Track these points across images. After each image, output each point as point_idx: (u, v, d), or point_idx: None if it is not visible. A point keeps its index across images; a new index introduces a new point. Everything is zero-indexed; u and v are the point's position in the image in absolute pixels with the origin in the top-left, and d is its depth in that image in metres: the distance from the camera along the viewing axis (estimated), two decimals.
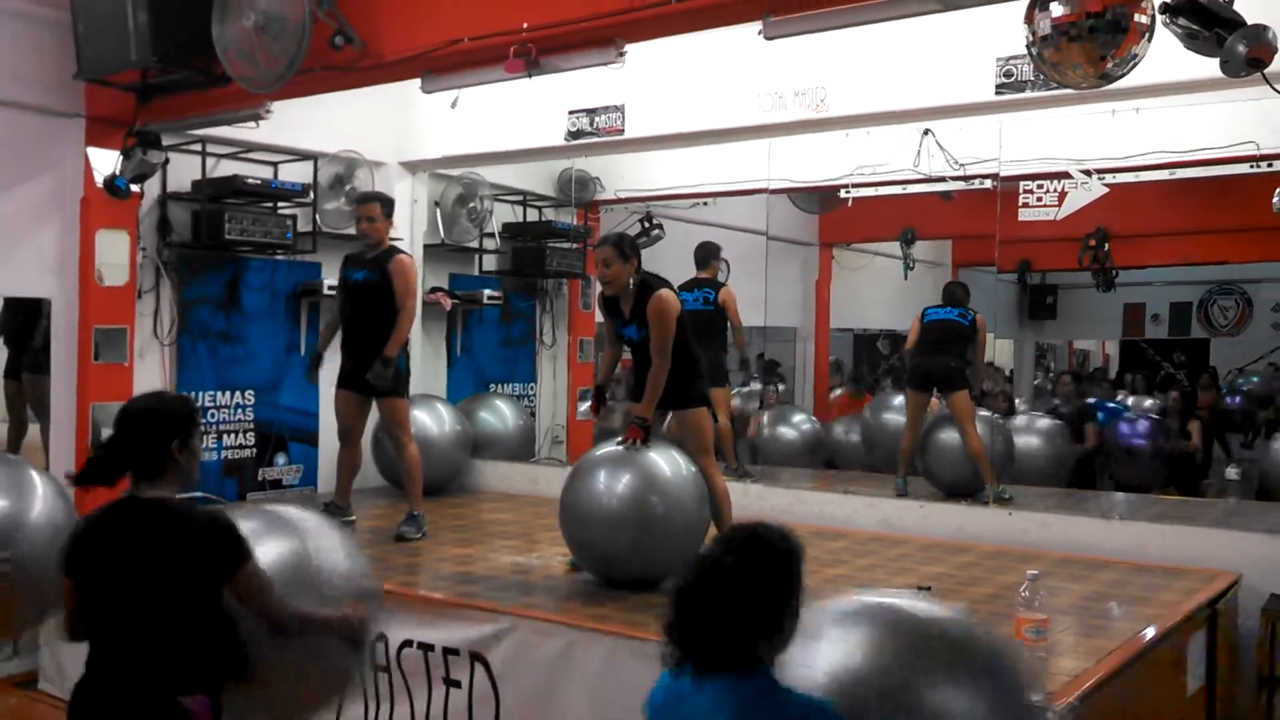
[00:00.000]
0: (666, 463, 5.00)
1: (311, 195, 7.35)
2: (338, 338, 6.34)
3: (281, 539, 3.38)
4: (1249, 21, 3.37)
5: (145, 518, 3.02)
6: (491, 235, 8.83)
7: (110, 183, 6.07)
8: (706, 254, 8.19)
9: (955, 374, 7.37)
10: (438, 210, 8.41)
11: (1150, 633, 4.28)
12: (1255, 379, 12.03)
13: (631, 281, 5.20)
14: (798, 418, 9.64)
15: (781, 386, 11.21)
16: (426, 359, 8.40)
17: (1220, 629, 4.84)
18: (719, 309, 7.92)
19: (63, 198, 6.41)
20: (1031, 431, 8.58)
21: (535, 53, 4.71)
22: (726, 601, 2.38)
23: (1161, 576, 5.22)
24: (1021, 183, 7.72)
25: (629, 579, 4.99)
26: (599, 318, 9.76)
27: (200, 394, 7.03)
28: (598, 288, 5.88)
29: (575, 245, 9.13)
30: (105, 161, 6.21)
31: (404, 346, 6.16)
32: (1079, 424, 9.28)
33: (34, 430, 7.39)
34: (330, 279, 7.51)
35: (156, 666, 2.91)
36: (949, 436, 7.39)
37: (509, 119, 7.18)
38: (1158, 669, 4.30)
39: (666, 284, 5.25)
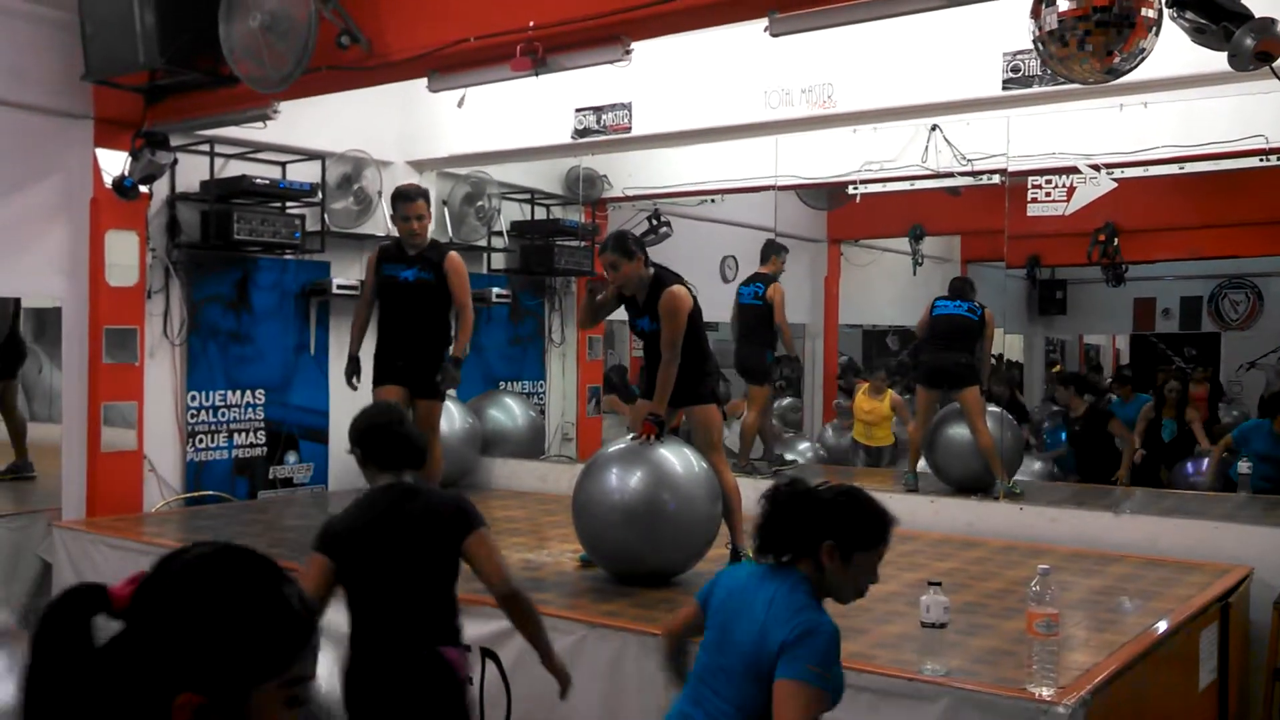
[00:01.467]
0: (678, 459, 5.01)
1: (320, 195, 7.36)
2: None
3: None
4: (1256, 15, 3.36)
5: (405, 498, 3.45)
6: (499, 233, 8.84)
7: (119, 183, 6.10)
8: (767, 250, 8.33)
9: (965, 370, 7.36)
10: (445, 209, 8.42)
11: (1162, 627, 4.27)
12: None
13: (644, 276, 5.19)
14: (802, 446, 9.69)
15: (787, 400, 11.08)
16: None
17: (1232, 623, 4.82)
18: (768, 304, 7.95)
19: (72, 199, 6.44)
20: None
21: (541, 51, 4.72)
22: (810, 509, 2.85)
23: (1173, 571, 5.21)
24: (1030, 178, 7.71)
25: (641, 575, 5.01)
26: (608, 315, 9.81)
27: (210, 393, 7.05)
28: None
29: (583, 243, 9.13)
30: (114, 162, 6.24)
31: (450, 343, 6.20)
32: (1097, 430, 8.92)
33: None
34: (340, 278, 7.56)
35: (421, 624, 3.38)
36: (957, 432, 7.38)
37: (516, 117, 7.19)
38: (1169, 663, 4.29)
39: (679, 279, 5.24)
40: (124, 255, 6.52)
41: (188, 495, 6.91)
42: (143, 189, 6.25)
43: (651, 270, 5.22)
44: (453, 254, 6.22)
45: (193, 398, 6.97)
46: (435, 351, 6.21)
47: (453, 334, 6.30)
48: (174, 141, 6.24)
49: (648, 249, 5.35)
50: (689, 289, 5.24)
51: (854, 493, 2.91)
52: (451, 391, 6.66)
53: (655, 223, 9.40)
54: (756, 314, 8.08)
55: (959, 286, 7.83)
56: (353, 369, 6.31)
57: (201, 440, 7.01)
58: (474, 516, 3.45)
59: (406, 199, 6.23)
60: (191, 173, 6.87)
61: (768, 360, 8.13)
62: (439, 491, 3.68)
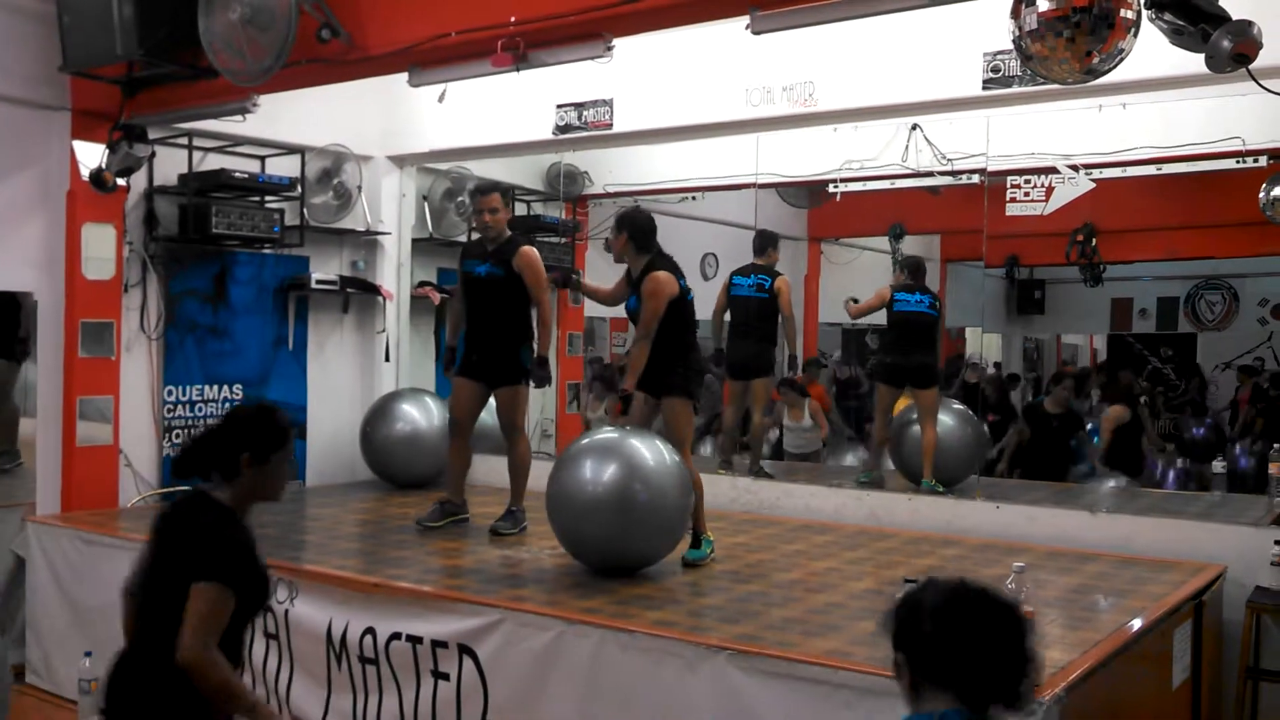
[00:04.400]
0: (649, 451, 5.04)
1: (299, 189, 7.33)
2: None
3: None
4: (1234, 17, 3.38)
5: (183, 511, 3.22)
6: None
7: (96, 176, 6.05)
8: (764, 241, 8.19)
9: (928, 370, 7.49)
10: (426, 204, 8.40)
11: (1136, 625, 4.30)
12: None
13: (642, 257, 5.44)
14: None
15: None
16: (415, 353, 8.40)
17: (1206, 621, 4.86)
18: (774, 296, 7.91)
19: (48, 191, 6.39)
20: None
21: (523, 47, 4.71)
22: None
23: (1148, 569, 5.25)
24: (1009, 178, 7.73)
25: (613, 566, 5.07)
26: (587, 312, 9.81)
27: (187, 388, 7.02)
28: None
29: (564, 239, 9.12)
30: (91, 155, 6.19)
31: (530, 339, 6.17)
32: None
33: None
34: (319, 273, 7.55)
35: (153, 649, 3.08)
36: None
37: (497, 113, 7.17)
38: (1144, 661, 4.32)
39: (670, 269, 5.43)
40: (100, 248, 6.48)
41: (164, 490, 6.87)
42: (120, 182, 6.20)
43: (647, 256, 5.45)
44: (524, 249, 6.12)
45: (169, 392, 6.93)
46: (508, 345, 6.12)
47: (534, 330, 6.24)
48: (152, 134, 6.20)
49: (643, 228, 5.55)
50: (680, 282, 5.43)
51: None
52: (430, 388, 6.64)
53: None
54: (761, 307, 7.93)
55: (916, 275, 7.81)
56: (447, 359, 6.36)
57: (178, 435, 6.97)
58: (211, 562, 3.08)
59: (479, 193, 6.28)
60: (169, 166, 6.82)
61: (770, 355, 8.05)
62: (210, 512, 3.22)
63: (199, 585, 3.02)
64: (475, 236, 6.38)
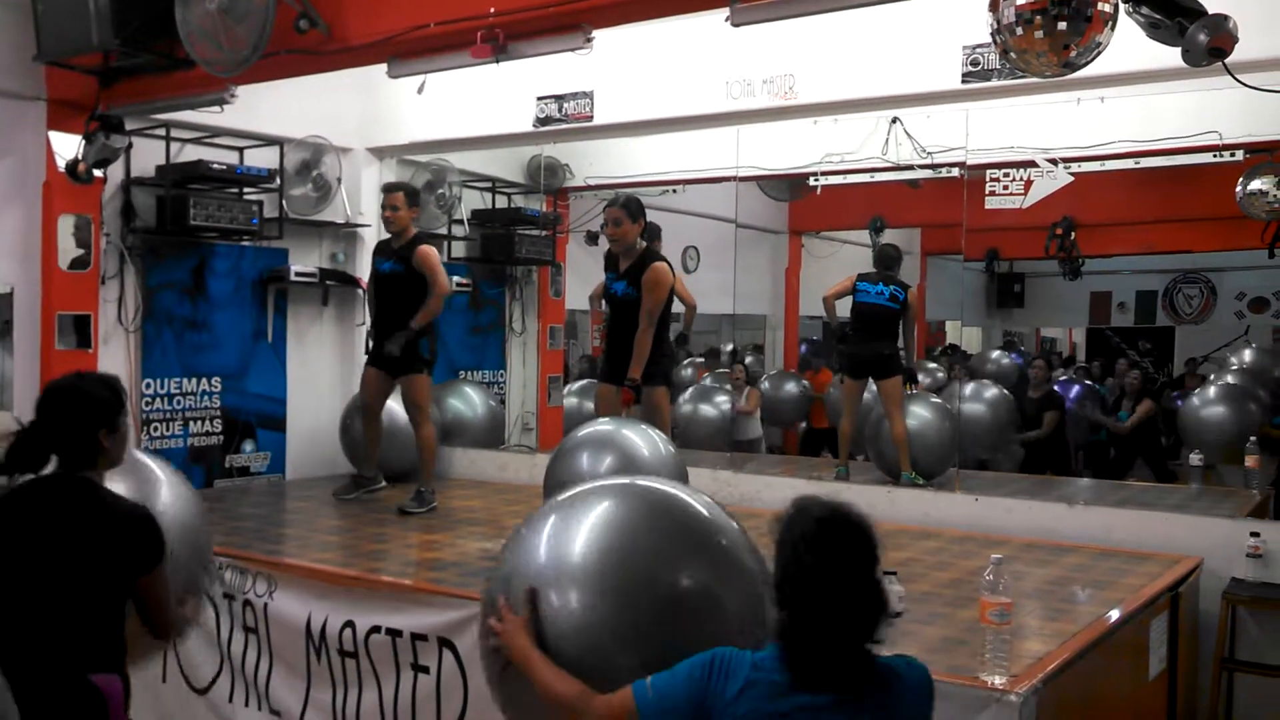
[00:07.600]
0: (645, 442, 5.06)
1: (278, 181, 7.29)
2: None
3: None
4: (1210, 11, 3.40)
5: (75, 498, 3.00)
6: (460, 222, 8.79)
7: (72, 167, 6.01)
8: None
9: (887, 361, 7.51)
10: None
11: (1114, 616, 4.32)
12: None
13: (638, 244, 5.77)
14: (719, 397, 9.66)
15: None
16: None
17: (1182, 612, 4.89)
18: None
19: (24, 182, 6.33)
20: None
21: (502, 38, 4.70)
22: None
23: (1125, 561, 5.28)
24: (988, 171, 7.77)
25: None
26: (569, 305, 9.79)
27: (166, 380, 6.97)
28: (603, 244, 6.34)
29: (544, 232, 9.11)
30: (67, 145, 6.15)
31: (431, 330, 6.52)
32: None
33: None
34: (298, 265, 7.53)
35: (70, 645, 2.90)
36: None
37: (477, 105, 7.15)
38: (1120, 652, 4.34)
39: (666, 260, 5.77)
40: (77, 240, 6.42)
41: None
42: (97, 173, 6.15)
43: (644, 244, 5.76)
44: (422, 248, 6.49)
45: (147, 385, 6.89)
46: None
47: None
48: (129, 125, 6.14)
49: (646, 215, 5.89)
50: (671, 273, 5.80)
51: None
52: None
53: None
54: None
55: (884, 266, 7.82)
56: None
57: (156, 429, 6.93)
58: (162, 544, 3.01)
59: (383, 191, 6.71)
60: (147, 157, 6.77)
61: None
62: (120, 499, 3.07)
63: (155, 572, 2.99)
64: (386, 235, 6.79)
